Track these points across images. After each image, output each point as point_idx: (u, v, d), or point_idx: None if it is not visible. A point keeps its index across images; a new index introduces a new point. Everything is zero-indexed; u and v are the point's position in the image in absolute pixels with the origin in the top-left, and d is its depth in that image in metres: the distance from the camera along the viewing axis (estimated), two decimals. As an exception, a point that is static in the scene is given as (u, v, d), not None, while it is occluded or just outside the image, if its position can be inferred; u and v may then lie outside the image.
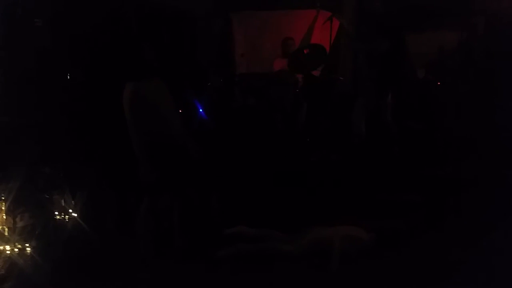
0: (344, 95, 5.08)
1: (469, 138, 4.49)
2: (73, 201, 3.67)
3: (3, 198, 3.26)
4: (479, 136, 4.42)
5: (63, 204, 3.65)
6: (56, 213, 3.62)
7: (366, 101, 4.51)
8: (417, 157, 4.41)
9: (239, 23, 6.21)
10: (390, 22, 4.45)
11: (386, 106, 4.58)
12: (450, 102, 5.12)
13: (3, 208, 3.26)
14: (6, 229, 3.24)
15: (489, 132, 4.43)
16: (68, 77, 4.19)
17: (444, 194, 3.86)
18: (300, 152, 4.77)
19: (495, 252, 2.96)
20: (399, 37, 4.46)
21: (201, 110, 4.76)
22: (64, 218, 3.61)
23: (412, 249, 3.14)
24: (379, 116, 4.58)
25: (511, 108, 4.38)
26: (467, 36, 5.77)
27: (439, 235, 3.32)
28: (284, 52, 5.75)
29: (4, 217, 3.26)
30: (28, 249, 3.19)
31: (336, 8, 5.60)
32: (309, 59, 5.28)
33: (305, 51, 5.30)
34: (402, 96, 4.82)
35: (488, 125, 4.55)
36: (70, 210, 3.66)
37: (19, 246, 3.19)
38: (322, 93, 5.24)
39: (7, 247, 3.15)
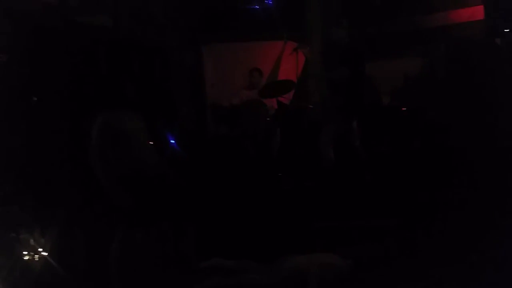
0: (314, 123, 5.17)
1: (436, 161, 4.63)
2: (43, 240, 3.55)
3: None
4: (445, 159, 4.57)
5: (32, 243, 3.53)
6: (25, 253, 3.49)
7: (332, 128, 4.62)
8: (388, 182, 4.50)
9: (208, 54, 6.29)
10: (352, 51, 4.61)
11: (353, 132, 4.69)
12: (416, 126, 5.28)
13: (-32, 250, 3.12)
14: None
15: (456, 154, 4.57)
16: (36, 111, 4.12)
17: (417, 217, 3.94)
18: (273, 180, 4.80)
19: (472, 276, 3.01)
20: (361, 65, 4.62)
21: (172, 141, 4.73)
22: (33, 258, 3.48)
23: (389, 274, 3.17)
24: (346, 141, 4.69)
25: (475, 130, 4.56)
26: (429, 62, 6.03)
27: (415, 259, 3.36)
28: (251, 82, 5.85)
29: (-31, 259, 3.12)
30: (-5, 292, 3.06)
31: (303, 39, 5.77)
32: (278, 88, 5.46)
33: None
34: (368, 122, 4.96)
35: (454, 147, 4.71)
36: (40, 249, 3.54)
37: (-15, 289, 3.06)
38: (292, 121, 5.34)
39: (-28, 291, 3.01)
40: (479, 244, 3.24)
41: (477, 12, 5.64)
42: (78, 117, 4.14)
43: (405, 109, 5.59)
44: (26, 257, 3.46)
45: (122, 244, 3.12)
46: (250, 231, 3.87)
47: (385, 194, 4.27)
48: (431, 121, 5.23)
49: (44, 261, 3.47)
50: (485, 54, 5.27)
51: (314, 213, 4.11)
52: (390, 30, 6.01)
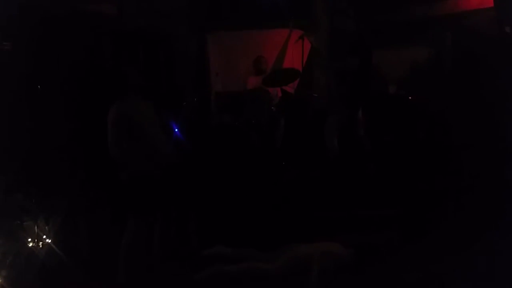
0: (319, 111, 5.14)
1: (441, 152, 4.59)
2: (46, 227, 3.58)
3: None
4: (450, 150, 4.52)
5: (36, 231, 3.55)
6: (29, 240, 3.52)
7: (337, 117, 4.59)
8: (392, 172, 4.48)
9: (213, 43, 6.26)
10: (359, 39, 4.55)
11: (358, 122, 4.66)
12: (421, 117, 5.23)
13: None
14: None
15: (461, 145, 4.53)
16: (41, 101, 4.14)
17: (420, 208, 3.91)
18: (277, 169, 4.79)
19: (472, 266, 3.00)
20: (367, 54, 4.57)
21: (176, 130, 4.74)
22: (37, 245, 3.51)
23: (390, 263, 3.17)
24: (351, 131, 4.65)
25: (482, 121, 4.51)
26: (436, 51, 5.95)
27: (417, 249, 3.35)
28: (257, 70, 5.83)
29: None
30: (-1, 279, 3.09)
31: (309, 27, 5.71)
32: (283, 76, 5.41)
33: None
34: (374, 111, 4.92)
35: (459, 138, 4.66)
36: (44, 236, 3.57)
37: (-10, 276, 3.08)
38: (297, 109, 5.31)
39: (-23, 278, 3.04)
40: (481, 236, 3.23)
41: (486, 0, 5.54)
42: (83, 107, 4.16)
43: (411, 98, 5.53)
44: (30, 244, 3.50)
45: (135, 233, 3.14)
46: (254, 220, 3.88)
47: (388, 184, 4.25)
48: (437, 111, 5.17)
49: (48, 248, 3.50)
50: (494, 43, 5.19)
51: (317, 202, 4.10)
52: (396, 18, 5.93)
